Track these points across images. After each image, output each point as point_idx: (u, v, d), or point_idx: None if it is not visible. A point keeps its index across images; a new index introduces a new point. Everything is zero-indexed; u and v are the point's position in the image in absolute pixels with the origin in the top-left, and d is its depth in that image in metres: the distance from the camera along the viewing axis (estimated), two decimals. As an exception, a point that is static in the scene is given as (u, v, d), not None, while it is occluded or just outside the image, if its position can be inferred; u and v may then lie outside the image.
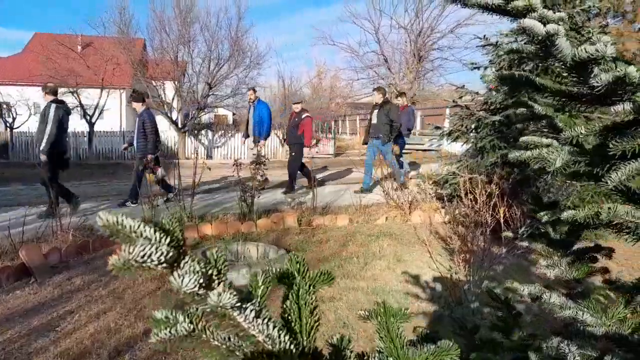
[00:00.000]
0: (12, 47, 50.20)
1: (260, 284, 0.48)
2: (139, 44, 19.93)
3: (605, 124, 0.72)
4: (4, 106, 18.93)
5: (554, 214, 1.02)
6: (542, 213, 1.07)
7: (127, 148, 7.95)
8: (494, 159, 5.79)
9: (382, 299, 3.81)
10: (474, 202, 4.27)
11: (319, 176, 10.28)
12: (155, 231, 0.39)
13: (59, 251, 4.76)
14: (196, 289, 0.39)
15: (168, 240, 0.39)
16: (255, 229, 5.92)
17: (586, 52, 0.62)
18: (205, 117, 20.97)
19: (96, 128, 18.75)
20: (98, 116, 19.04)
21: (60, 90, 19.09)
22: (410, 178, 8.24)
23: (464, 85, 6.98)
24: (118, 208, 7.14)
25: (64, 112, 6.50)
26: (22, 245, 4.54)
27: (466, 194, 4.38)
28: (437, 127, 7.61)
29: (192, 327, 0.42)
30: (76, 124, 19.04)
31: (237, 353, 0.43)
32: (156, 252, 0.37)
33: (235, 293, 0.41)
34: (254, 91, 9.11)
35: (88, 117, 18.71)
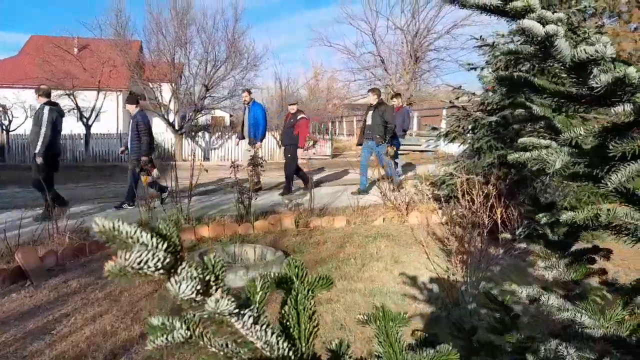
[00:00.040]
0: (9, 49, 50.01)
1: (258, 289, 0.48)
2: (136, 46, 19.89)
3: (605, 125, 0.72)
4: (0, 109, 18.86)
5: (553, 216, 1.02)
6: (540, 215, 1.07)
7: (124, 151, 7.93)
8: (490, 159, 5.80)
9: (380, 300, 3.83)
10: (471, 203, 4.27)
11: (316, 177, 10.27)
12: (152, 237, 0.39)
13: (55, 254, 4.74)
14: (193, 295, 0.38)
15: (165, 245, 0.39)
16: (252, 231, 5.91)
17: (586, 52, 0.61)
18: (202, 119, 20.96)
19: (93, 130, 18.70)
20: (95, 118, 19.00)
21: (57, 92, 19.11)
22: (400, 181, 8.22)
23: (460, 86, 6.99)
24: (115, 210, 7.12)
25: (57, 114, 6.48)
26: (18, 248, 4.52)
27: (463, 195, 4.39)
28: (434, 128, 7.62)
29: (189, 333, 0.41)
30: (73, 127, 18.99)
31: None
32: (153, 258, 0.37)
33: (233, 299, 0.40)
34: (249, 93, 9.08)
35: (84, 120, 18.66)
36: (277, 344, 0.42)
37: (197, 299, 0.39)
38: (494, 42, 6.20)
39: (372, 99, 8.46)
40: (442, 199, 5.81)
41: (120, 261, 0.35)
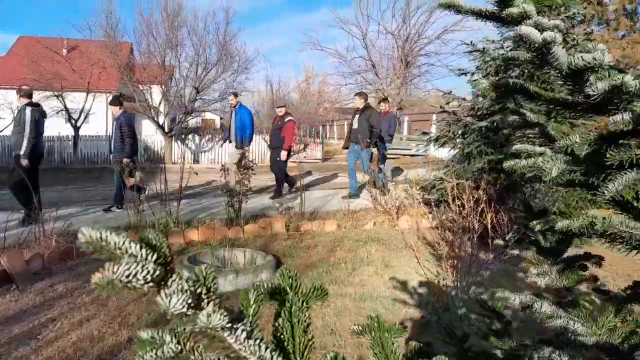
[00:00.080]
0: (-4, 49, 49.44)
1: (252, 302, 0.46)
2: (126, 48, 19.77)
3: (601, 132, 0.71)
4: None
5: (547, 223, 1.01)
6: (534, 222, 1.07)
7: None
8: (480, 164, 5.83)
9: (370, 305, 3.81)
10: (461, 208, 4.28)
11: (307, 181, 10.26)
12: (141, 247, 0.37)
13: (41, 257, 4.67)
14: (185, 309, 0.37)
15: (154, 257, 0.37)
16: (242, 235, 5.87)
17: (583, 60, 0.61)
18: (192, 122, 20.85)
19: (81, 132, 18.53)
20: (83, 120, 18.84)
21: (45, 93, 18.93)
22: (384, 184, 8.22)
23: (451, 91, 7.03)
24: (103, 213, 7.05)
25: (39, 114, 6.41)
26: (4, 251, 4.44)
27: (454, 200, 4.40)
28: (425, 133, 7.64)
29: (179, 348, 0.40)
30: (61, 128, 18.82)
31: (227, 374, 0.41)
32: (142, 270, 0.35)
33: (225, 313, 0.38)
34: (236, 96, 9.03)
35: (73, 121, 18.49)
36: (271, 359, 0.41)
37: (189, 313, 0.37)
38: (484, 48, 6.24)
39: (359, 103, 8.47)
40: (433, 203, 5.82)
41: (108, 274, 0.34)
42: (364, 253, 5.30)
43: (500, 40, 6.27)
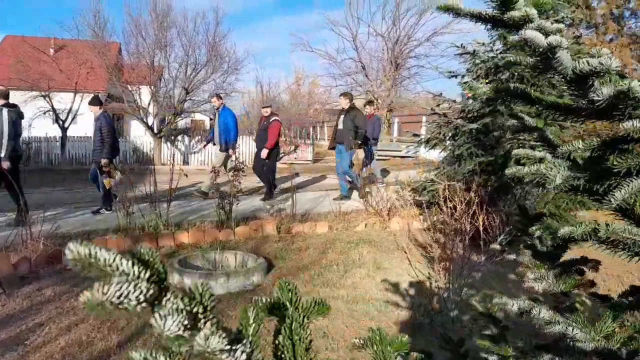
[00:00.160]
0: (-18, 49, 48.65)
1: (251, 321, 0.44)
2: (114, 48, 19.57)
3: (604, 138, 0.70)
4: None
5: (546, 228, 1.00)
6: (534, 228, 1.05)
7: None
8: (471, 166, 5.85)
9: (362, 308, 3.78)
10: (453, 210, 4.29)
11: (298, 182, 10.22)
12: (133, 264, 0.35)
13: (28, 261, 4.59)
14: (181, 332, 0.34)
15: (148, 274, 0.35)
16: (233, 237, 5.83)
17: (589, 65, 0.59)
18: (182, 123, 20.72)
19: (69, 133, 18.31)
20: (71, 121, 18.61)
21: (32, 94, 18.70)
22: (362, 186, 8.23)
23: (441, 93, 7.05)
24: (92, 215, 6.96)
25: (16, 115, 6.31)
26: (-11, 255, 4.36)
27: (445, 201, 4.40)
28: (416, 135, 7.66)
29: (174, 370, 0.37)
30: (48, 129, 18.59)
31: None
32: (135, 290, 0.33)
33: (224, 335, 0.36)
34: (219, 98, 8.95)
35: (61, 122, 18.27)
36: (273, 381, 0.39)
37: (185, 334, 0.35)
38: (474, 51, 6.26)
39: (344, 104, 8.44)
40: (424, 204, 5.82)
41: (97, 295, 0.31)
42: (356, 255, 5.28)
43: (490, 43, 6.30)
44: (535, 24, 0.63)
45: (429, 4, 23.83)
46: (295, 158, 18.64)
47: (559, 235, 0.77)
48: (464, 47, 6.42)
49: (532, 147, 3.66)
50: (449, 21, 23.14)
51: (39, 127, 18.96)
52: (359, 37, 25.51)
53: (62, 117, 18.36)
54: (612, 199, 0.65)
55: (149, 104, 17.81)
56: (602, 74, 0.60)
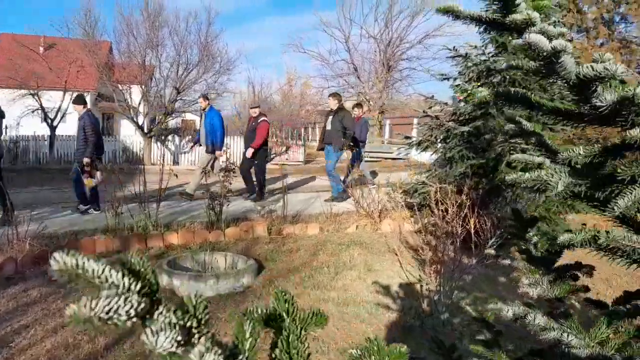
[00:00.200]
0: (-31, 46, 47.97)
1: (247, 335, 0.42)
2: (105, 47, 19.41)
3: (605, 145, 0.69)
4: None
5: (544, 235, 0.99)
6: (531, 234, 1.05)
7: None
8: (462, 169, 5.86)
9: (354, 310, 3.76)
10: (444, 213, 4.29)
11: (289, 183, 10.19)
12: (123, 275, 0.32)
13: (14, 261, 4.52)
14: (174, 348, 0.32)
15: (139, 286, 0.33)
16: (223, 238, 5.79)
17: (593, 70, 0.58)
18: (172, 122, 20.58)
19: (58, 132, 18.12)
20: (60, 120, 18.42)
21: (20, 92, 18.47)
22: (345, 190, 8.24)
23: (433, 96, 7.06)
24: (80, 215, 6.88)
25: None
26: (-25, 256, 4.29)
27: (437, 204, 4.40)
28: (407, 137, 7.67)
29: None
30: (36, 128, 18.38)
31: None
32: (125, 304, 0.31)
33: (219, 351, 0.34)
34: (205, 98, 8.87)
35: (49, 121, 18.07)
36: (270, 399, 0.37)
37: (178, 351, 0.33)
38: (466, 53, 6.28)
39: (332, 104, 8.41)
40: (415, 206, 5.82)
41: (84, 310, 0.29)
42: (347, 257, 5.27)
43: (482, 46, 6.32)
44: (538, 27, 0.62)
45: (421, 6, 23.94)
46: (287, 159, 18.60)
47: (558, 242, 0.76)
48: (456, 50, 6.43)
49: (524, 151, 3.70)
50: (441, 24, 23.29)
51: (27, 125, 18.75)
52: (351, 38, 25.60)
53: (51, 115, 18.17)
54: (615, 207, 0.64)
55: (139, 103, 17.69)
56: (606, 79, 0.59)
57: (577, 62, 0.61)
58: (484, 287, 4.72)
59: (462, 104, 6.39)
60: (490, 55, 6.21)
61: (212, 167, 8.58)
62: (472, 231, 4.11)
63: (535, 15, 0.62)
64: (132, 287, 0.32)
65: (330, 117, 8.32)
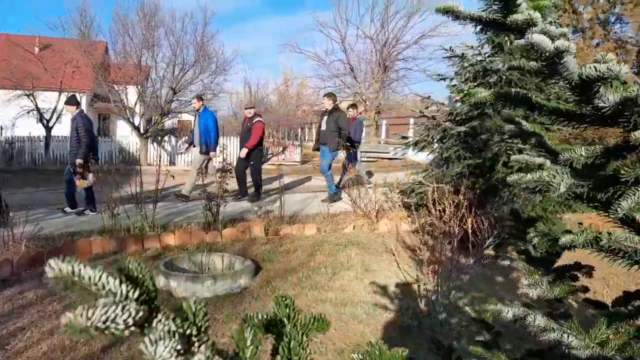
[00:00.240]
0: (-36, 46, 47.66)
1: (248, 342, 0.41)
2: (101, 47, 19.35)
3: (607, 146, 0.68)
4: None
5: (545, 235, 0.99)
6: (531, 235, 1.04)
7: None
8: (459, 168, 5.86)
9: (351, 310, 3.75)
10: (442, 212, 4.29)
11: (286, 183, 10.18)
12: (121, 282, 0.32)
13: (10, 263, 4.49)
14: (173, 358, 0.31)
15: (137, 293, 0.32)
16: (220, 239, 5.77)
17: (596, 70, 0.58)
18: (169, 123, 20.54)
19: (54, 132, 18.04)
20: (56, 120, 18.34)
21: (16, 92, 18.38)
22: (337, 194, 8.23)
23: (429, 96, 7.06)
24: (76, 216, 6.85)
25: None
26: (-30, 258, 4.26)
27: (434, 204, 4.40)
28: (404, 137, 7.67)
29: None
30: (32, 128, 18.31)
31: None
32: (123, 313, 0.30)
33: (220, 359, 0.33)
34: (199, 99, 8.82)
35: (45, 121, 18.00)
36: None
37: (177, 360, 0.32)
38: (462, 54, 6.28)
39: (327, 105, 8.39)
40: (412, 206, 5.82)
41: (81, 320, 0.28)
42: (344, 257, 5.26)
43: (479, 46, 6.32)
44: (539, 27, 0.62)
45: (417, 7, 23.97)
46: (284, 159, 18.59)
47: (560, 243, 0.75)
48: (452, 50, 6.43)
49: (520, 151, 3.68)
50: (437, 24, 23.33)
51: (22, 126, 18.68)
52: (347, 39, 25.61)
53: (47, 116, 18.09)
54: (618, 209, 0.64)
55: (135, 103, 17.64)
56: (609, 80, 0.59)
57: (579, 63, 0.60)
58: (481, 286, 4.72)
59: (459, 104, 6.39)
60: (487, 55, 6.22)
61: (206, 168, 8.55)
62: (470, 231, 4.11)
63: (537, 15, 0.62)
64: (130, 294, 0.31)
65: (325, 118, 8.30)
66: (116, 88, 17.25)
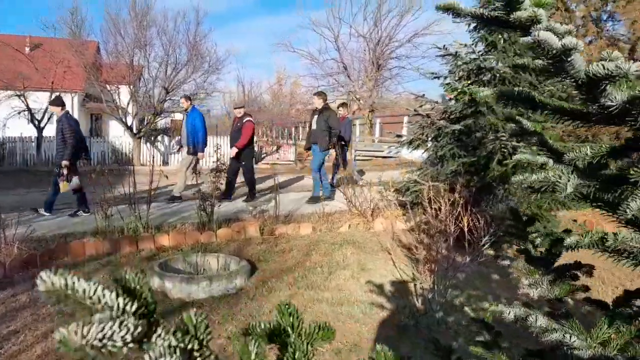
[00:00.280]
0: (-47, 46, 47.14)
1: (253, 356, 0.39)
2: (92, 47, 19.20)
3: (612, 145, 0.67)
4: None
5: (547, 236, 0.97)
6: (534, 235, 1.03)
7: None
8: (454, 167, 5.87)
9: (348, 310, 3.74)
10: (437, 211, 4.28)
11: (280, 182, 10.15)
12: (117, 295, 0.30)
13: (2, 266, 4.45)
14: (174, 376, 0.30)
15: (135, 307, 0.30)
16: (215, 239, 5.74)
17: (604, 68, 0.57)
18: (162, 123, 20.43)
19: (45, 133, 17.88)
20: (47, 121, 18.19)
21: (6, 93, 18.21)
22: (330, 194, 8.22)
23: (423, 94, 7.06)
24: (69, 218, 6.79)
25: None
26: (-39, 261, 4.21)
27: (430, 202, 4.39)
28: (398, 135, 7.66)
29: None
30: (23, 129, 18.14)
31: None
32: (121, 329, 0.28)
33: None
34: (187, 99, 8.76)
35: (36, 122, 17.84)
36: None
37: (179, 378, 0.30)
38: (456, 52, 6.28)
39: (318, 103, 8.35)
40: (407, 205, 5.81)
41: (76, 338, 0.27)
42: (340, 256, 5.25)
43: (472, 44, 6.33)
44: (544, 25, 0.60)
45: (410, 5, 23.98)
46: (278, 158, 18.55)
47: (565, 244, 0.74)
48: (445, 49, 6.43)
49: (515, 149, 3.67)
50: (429, 22, 23.35)
51: (13, 127, 18.49)
52: (340, 37, 25.55)
53: (38, 117, 17.94)
54: (627, 209, 0.62)
55: (128, 103, 17.53)
56: (617, 78, 0.58)
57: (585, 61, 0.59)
58: (478, 284, 4.72)
59: (453, 102, 6.39)
60: (480, 53, 6.23)
61: (194, 169, 8.51)
62: (465, 229, 4.11)
63: (541, 12, 0.61)
64: (128, 308, 0.30)
65: (316, 117, 8.27)
66: (108, 88, 17.13)
